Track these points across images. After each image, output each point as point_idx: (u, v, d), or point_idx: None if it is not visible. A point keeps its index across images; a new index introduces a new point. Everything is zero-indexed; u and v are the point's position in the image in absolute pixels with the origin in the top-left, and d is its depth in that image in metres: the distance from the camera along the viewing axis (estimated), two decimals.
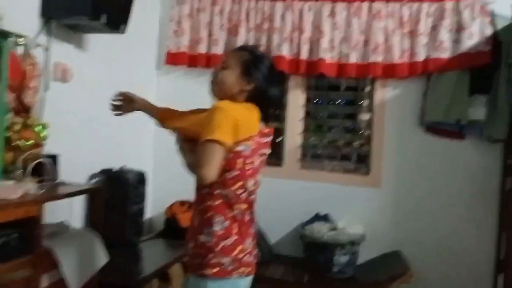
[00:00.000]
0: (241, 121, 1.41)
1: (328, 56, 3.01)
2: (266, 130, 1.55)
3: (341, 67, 3.01)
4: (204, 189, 1.46)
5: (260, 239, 3.00)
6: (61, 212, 2.10)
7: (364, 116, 3.22)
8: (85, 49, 2.62)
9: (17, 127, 1.83)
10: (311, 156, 3.35)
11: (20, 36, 1.94)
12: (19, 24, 1.97)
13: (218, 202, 1.45)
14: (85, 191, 2.05)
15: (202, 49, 3.21)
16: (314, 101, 3.32)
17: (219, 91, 1.52)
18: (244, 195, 1.47)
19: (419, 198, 3.02)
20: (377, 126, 3.11)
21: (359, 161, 3.27)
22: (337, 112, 3.33)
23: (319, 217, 3.04)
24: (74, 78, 2.49)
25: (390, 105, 3.07)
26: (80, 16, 2.24)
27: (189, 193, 3.37)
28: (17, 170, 1.78)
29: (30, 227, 1.59)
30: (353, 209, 3.08)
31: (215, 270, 1.43)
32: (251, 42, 3.13)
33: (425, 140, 3.00)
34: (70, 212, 2.19)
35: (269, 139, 1.58)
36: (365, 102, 3.20)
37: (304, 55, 3.06)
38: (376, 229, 3.01)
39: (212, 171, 1.36)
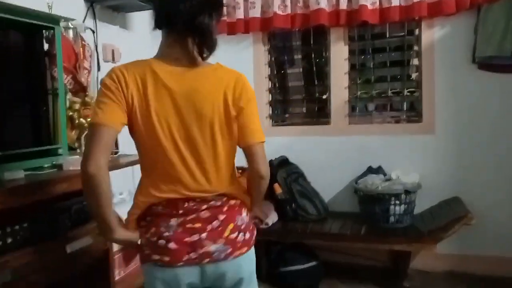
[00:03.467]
0: None
1: (368, 2, 2.90)
2: None
3: (384, 12, 2.89)
4: None
5: (315, 197, 3.05)
6: (125, 183, 2.27)
7: (413, 61, 3.11)
8: (130, 28, 2.73)
9: (77, 106, 1.98)
10: (359, 110, 3.31)
11: (69, 20, 2.06)
12: (66, 10, 2.09)
13: None
14: None
15: (239, 15, 3.21)
16: (359, 54, 3.23)
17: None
18: None
19: (477, 141, 2.90)
20: (427, 70, 2.98)
21: (411, 109, 3.18)
22: (384, 62, 3.23)
23: (372, 170, 3.03)
24: (123, 57, 2.61)
25: (439, 45, 2.93)
26: None
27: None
28: (81, 146, 1.94)
29: None
30: (407, 159, 3.03)
31: (139, 254, 1.34)
32: (287, 0, 3.09)
33: (480, 79, 2.84)
34: (133, 182, 2.35)
35: None
36: (414, 47, 3.08)
37: (343, 4, 2.97)
38: (432, 178, 2.95)
39: None
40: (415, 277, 2.93)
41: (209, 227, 1.28)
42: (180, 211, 1.27)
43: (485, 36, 2.71)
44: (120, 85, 1.19)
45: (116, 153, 2.06)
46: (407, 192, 2.74)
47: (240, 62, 3.34)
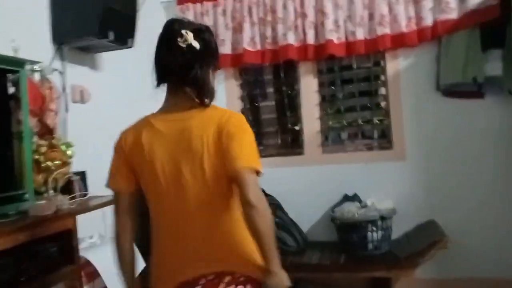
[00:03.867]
0: None
1: (334, 36, 3.00)
2: None
3: (350, 45, 3.00)
4: None
5: (293, 229, 3.04)
6: (95, 225, 2.21)
7: (381, 91, 3.20)
8: (99, 68, 2.73)
9: (43, 149, 1.93)
10: (332, 139, 3.36)
11: (35, 63, 2.05)
12: (33, 52, 2.08)
13: None
14: None
15: None
16: (329, 85, 3.31)
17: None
18: None
19: (446, 164, 2.97)
20: (393, 98, 3.08)
21: (381, 137, 3.24)
22: (353, 92, 3.31)
23: (348, 198, 3.05)
24: (92, 98, 2.60)
25: (404, 75, 3.04)
26: (88, 36, 2.34)
27: None
28: (48, 190, 1.89)
29: (67, 240, 1.69)
30: (381, 185, 3.06)
31: None
32: (256, 37, 3.17)
33: (444, 105, 2.95)
34: (105, 225, 2.29)
35: None
36: (381, 77, 3.18)
37: (310, 40, 3.06)
38: (407, 202, 2.98)
39: None
40: None
41: None
42: None
43: (447, 65, 2.82)
44: (121, 145, 1.34)
45: (85, 195, 2.02)
46: (383, 218, 2.76)
47: (214, 102, 3.42)
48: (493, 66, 2.71)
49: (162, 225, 1.33)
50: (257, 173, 1.24)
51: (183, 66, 1.28)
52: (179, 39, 1.28)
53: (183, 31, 1.28)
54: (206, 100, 1.31)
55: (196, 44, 1.28)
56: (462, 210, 2.93)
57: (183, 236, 1.28)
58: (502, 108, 2.84)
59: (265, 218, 1.22)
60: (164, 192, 1.27)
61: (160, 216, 1.32)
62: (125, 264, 1.36)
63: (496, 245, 2.87)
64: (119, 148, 1.35)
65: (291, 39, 3.07)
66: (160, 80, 1.36)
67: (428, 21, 2.84)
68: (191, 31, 1.29)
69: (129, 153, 1.32)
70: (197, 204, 1.26)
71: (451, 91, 2.90)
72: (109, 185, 1.34)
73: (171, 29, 1.32)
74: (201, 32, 1.32)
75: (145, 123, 1.34)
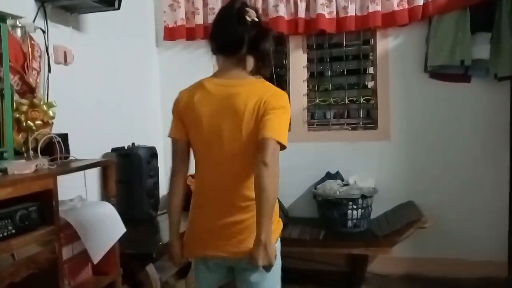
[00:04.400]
0: None
1: (326, 11, 2.97)
2: None
3: (340, 21, 2.98)
4: None
5: None
6: (76, 188, 2.17)
7: (369, 70, 3.20)
8: (83, 30, 2.64)
9: (24, 108, 1.87)
10: (318, 117, 3.36)
11: (17, 18, 1.96)
12: (15, 8, 2.00)
13: None
14: (97, 164, 2.10)
15: (199, 20, 3.20)
16: (318, 62, 3.29)
17: None
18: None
19: (429, 146, 3.01)
20: (381, 78, 3.08)
21: (367, 116, 3.26)
22: (341, 70, 3.30)
23: (330, 176, 3.08)
24: (75, 60, 2.52)
25: (393, 55, 3.04)
26: None
27: None
28: (28, 150, 1.84)
29: (47, 200, 1.65)
30: (364, 164, 3.10)
31: None
32: None
33: (431, 87, 2.97)
34: (85, 188, 2.26)
35: None
36: (370, 56, 3.17)
37: (301, 13, 3.02)
38: (388, 182, 3.03)
39: None
40: (372, 280, 2.98)
41: None
42: None
43: (436, 46, 2.83)
44: (177, 104, 1.54)
45: (66, 157, 1.97)
46: (364, 196, 2.80)
47: (199, 68, 3.34)
48: (481, 49, 2.73)
49: (203, 171, 1.52)
50: (282, 147, 1.38)
51: (254, 39, 1.45)
52: (246, 16, 1.44)
53: (247, 9, 1.46)
54: (264, 71, 1.54)
55: (258, 21, 1.48)
56: (441, 192, 2.99)
57: (218, 185, 1.48)
58: (487, 92, 2.88)
59: (274, 180, 1.34)
60: (206, 144, 1.48)
61: (201, 164, 1.52)
62: (173, 205, 1.58)
63: (472, 228, 2.96)
64: (176, 106, 1.54)
65: (282, 11, 3.02)
66: (223, 50, 1.50)
67: (420, 0, 2.83)
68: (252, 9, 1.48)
69: (182, 110, 1.51)
70: (230, 156, 1.45)
71: (438, 74, 2.92)
72: (169, 135, 1.55)
73: (237, 6, 1.46)
74: (257, 12, 1.51)
75: (199, 85, 1.51)
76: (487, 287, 2.85)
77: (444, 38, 2.79)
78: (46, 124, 1.95)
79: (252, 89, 1.45)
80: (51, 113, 1.96)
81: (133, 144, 2.75)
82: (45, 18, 2.31)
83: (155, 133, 3.35)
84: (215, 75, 1.53)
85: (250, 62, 1.48)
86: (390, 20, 2.89)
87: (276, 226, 1.48)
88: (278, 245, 1.49)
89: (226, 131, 1.44)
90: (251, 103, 1.41)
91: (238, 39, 1.44)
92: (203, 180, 1.53)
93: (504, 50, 2.62)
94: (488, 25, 2.71)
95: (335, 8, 2.97)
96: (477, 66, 2.79)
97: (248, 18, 1.44)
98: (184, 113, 1.51)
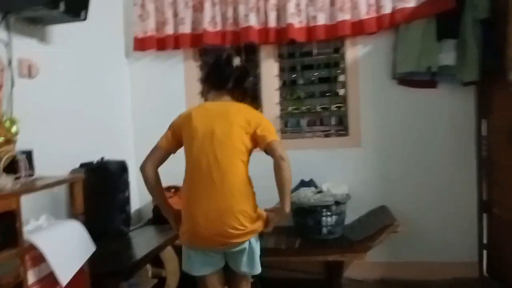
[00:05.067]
0: None
1: (296, 20, 2.99)
2: None
3: (310, 30, 3.00)
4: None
5: None
6: (43, 207, 2.10)
7: (340, 78, 3.24)
8: (49, 42, 2.57)
9: None
10: (291, 125, 3.37)
11: None
12: None
13: None
14: (63, 181, 2.04)
15: (169, 30, 3.17)
16: (289, 71, 3.31)
17: None
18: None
19: (399, 151, 3.06)
20: (351, 85, 3.12)
21: (339, 123, 3.29)
22: (313, 78, 3.33)
23: (304, 183, 3.08)
24: (41, 73, 2.44)
25: (363, 63, 3.08)
26: (37, 6, 2.18)
27: (173, 179, 3.41)
28: None
29: (10, 221, 1.59)
30: (337, 171, 3.12)
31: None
32: (217, 17, 3.10)
33: (400, 94, 3.02)
34: (53, 206, 2.19)
35: None
36: (340, 64, 3.21)
37: (272, 23, 3.04)
38: (360, 188, 3.06)
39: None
40: (349, 286, 3.00)
41: None
42: None
43: (403, 53, 2.89)
44: (175, 120, 1.93)
45: (30, 175, 1.90)
46: (337, 203, 2.82)
47: (171, 78, 3.34)
48: (447, 56, 2.79)
49: (194, 174, 1.82)
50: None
51: (238, 78, 1.91)
52: (232, 61, 1.91)
53: (233, 57, 1.92)
54: (246, 101, 1.95)
55: (242, 66, 1.96)
56: (413, 196, 3.04)
57: (209, 184, 1.77)
58: (454, 97, 2.95)
59: (290, 170, 1.79)
60: (200, 146, 1.80)
61: (193, 168, 1.82)
62: (151, 187, 1.87)
63: (444, 230, 3.02)
64: (173, 122, 1.91)
65: (253, 21, 3.03)
66: (215, 87, 1.93)
67: (387, 9, 2.89)
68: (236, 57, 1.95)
69: (179, 125, 1.88)
70: (222, 155, 1.78)
71: (406, 80, 2.98)
72: (157, 144, 1.88)
73: (227, 55, 1.93)
74: (240, 59, 1.97)
75: (195, 106, 1.97)
76: (460, 287, 2.90)
77: (411, 45, 2.84)
78: (9, 141, 1.88)
79: (238, 108, 1.89)
80: (14, 129, 1.90)
81: (102, 158, 2.69)
82: (8, 30, 2.24)
83: (126, 146, 3.29)
84: (208, 102, 1.96)
85: (235, 94, 1.93)
86: (358, 28, 2.94)
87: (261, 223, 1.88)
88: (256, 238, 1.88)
89: (218, 135, 1.79)
90: (239, 117, 1.83)
91: (226, 77, 1.89)
92: (194, 184, 1.81)
93: (468, 56, 2.69)
94: (454, 32, 2.77)
95: (305, 18, 3.00)
96: (444, 72, 2.86)
97: (234, 63, 1.91)
98: (182, 125, 1.86)
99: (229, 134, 1.80)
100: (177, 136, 1.87)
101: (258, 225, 1.85)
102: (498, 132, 2.74)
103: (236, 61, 1.92)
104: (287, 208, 1.81)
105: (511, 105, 2.41)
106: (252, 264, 1.88)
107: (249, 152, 1.85)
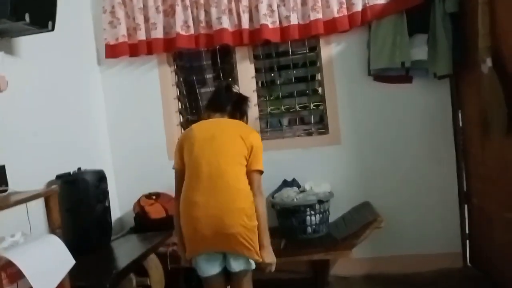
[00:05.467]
0: None
1: (269, 21, 2.98)
2: None
3: (284, 31, 3.00)
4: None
5: None
6: (18, 222, 2.04)
7: (317, 76, 3.25)
8: (17, 54, 2.50)
9: None
10: (271, 125, 3.36)
11: None
12: None
13: None
14: (37, 195, 1.98)
15: (141, 36, 3.12)
16: (267, 71, 3.30)
17: None
18: None
19: (379, 147, 3.08)
20: (328, 83, 3.13)
21: (319, 122, 3.30)
22: (290, 78, 3.33)
23: (287, 183, 3.08)
24: (10, 86, 2.37)
25: (337, 61, 3.09)
26: (1, 19, 2.12)
27: (153, 186, 3.36)
28: None
29: None
30: (319, 170, 3.12)
31: None
32: (189, 20, 3.07)
33: (375, 90, 3.04)
34: (28, 221, 2.12)
35: None
36: (316, 63, 3.21)
37: (245, 24, 3.02)
38: (342, 186, 3.07)
39: None
40: (335, 283, 3.00)
41: None
42: None
43: (376, 50, 2.91)
44: (179, 140, 2.11)
45: (4, 191, 1.85)
46: (320, 201, 2.82)
47: (145, 84, 3.29)
48: (419, 50, 2.82)
49: (193, 177, 1.95)
50: (261, 172, 2.03)
51: (236, 103, 2.19)
52: (232, 88, 2.29)
53: (233, 85, 2.47)
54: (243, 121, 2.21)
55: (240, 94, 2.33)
56: (394, 191, 3.06)
57: (209, 185, 1.92)
58: (429, 91, 2.98)
59: (264, 204, 2.01)
60: (200, 149, 1.96)
61: (192, 172, 1.96)
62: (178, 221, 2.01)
63: (427, 223, 3.04)
64: (178, 141, 2.09)
65: (226, 23, 3.01)
66: (216, 109, 2.15)
67: (358, 6, 2.90)
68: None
69: (182, 141, 2.05)
70: (221, 157, 1.94)
71: (381, 76, 3.00)
72: (173, 167, 2.06)
73: (226, 83, 2.48)
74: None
75: (196, 123, 2.14)
76: (445, 278, 2.93)
77: (384, 41, 2.87)
78: None
79: (237, 124, 2.10)
80: None
81: (79, 169, 2.63)
82: None
83: (102, 155, 3.22)
84: (201, 121, 2.14)
85: (233, 115, 2.14)
86: (331, 27, 2.95)
87: None
88: None
89: (218, 138, 1.97)
90: (239, 129, 2.04)
91: (226, 101, 2.16)
92: (193, 187, 1.94)
93: (440, 50, 2.73)
94: (424, 27, 2.81)
95: (278, 18, 3.00)
96: (417, 67, 2.88)
97: (234, 90, 2.28)
98: (184, 141, 2.04)
99: (229, 139, 1.98)
100: (182, 152, 2.02)
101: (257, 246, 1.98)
102: (472, 123, 2.78)
103: (235, 88, 2.28)
104: (266, 242, 2.00)
105: (483, 96, 2.45)
106: (248, 262, 2.00)
107: (246, 160, 1.98)
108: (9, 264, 1.67)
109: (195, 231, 1.91)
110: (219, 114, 2.13)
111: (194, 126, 2.10)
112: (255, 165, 1.98)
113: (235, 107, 2.16)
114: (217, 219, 1.88)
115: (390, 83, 3.00)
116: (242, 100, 2.22)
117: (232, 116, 2.14)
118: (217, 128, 2.03)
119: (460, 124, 2.95)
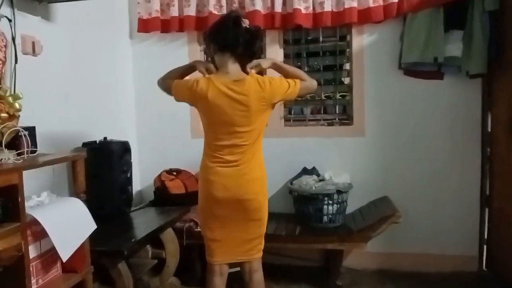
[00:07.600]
0: None
1: (302, 6, 2.95)
2: None
3: (317, 17, 2.97)
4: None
5: None
6: (44, 184, 2.09)
7: (345, 66, 3.21)
8: (53, 20, 2.54)
9: None
10: (295, 113, 3.35)
11: None
12: None
13: None
14: (65, 158, 2.02)
15: (174, 12, 3.13)
16: (295, 57, 3.28)
17: None
18: None
19: (403, 142, 3.05)
20: (357, 74, 3.10)
21: (343, 112, 3.27)
22: (318, 66, 3.30)
23: (306, 171, 3.08)
24: (44, 51, 2.42)
25: (368, 51, 3.05)
26: None
27: (174, 162, 3.38)
28: None
29: (12, 196, 1.58)
30: (339, 160, 3.11)
31: None
32: (223, 0, 3.07)
33: (405, 84, 3.00)
34: (54, 183, 2.18)
35: None
36: (346, 52, 3.18)
37: (278, 7, 3.00)
38: (362, 178, 3.05)
39: None
40: (346, 275, 3.00)
41: None
42: None
43: (409, 43, 2.86)
44: (193, 87, 1.92)
45: (33, 152, 1.89)
46: (339, 192, 2.81)
47: (173, 61, 3.26)
48: (454, 47, 2.77)
49: (215, 139, 1.95)
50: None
51: (246, 41, 1.88)
52: (241, 22, 1.88)
53: (242, 18, 1.90)
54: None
55: (252, 28, 1.93)
56: (415, 187, 3.03)
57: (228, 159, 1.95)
58: (459, 89, 2.92)
59: (311, 86, 2.11)
60: (218, 132, 1.93)
61: (213, 134, 1.95)
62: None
63: (444, 223, 3.01)
64: (192, 86, 1.92)
65: (259, 5, 2.99)
66: (223, 50, 1.91)
67: None
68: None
69: (197, 96, 1.91)
70: (241, 141, 1.94)
71: (412, 70, 2.95)
72: (176, 99, 2.06)
73: (234, 15, 1.92)
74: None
75: (210, 83, 1.89)
76: (458, 281, 2.90)
77: (418, 35, 2.81)
78: (12, 116, 1.86)
79: (251, 86, 1.88)
80: (17, 105, 1.87)
81: (105, 138, 2.68)
82: (12, 6, 2.21)
83: (128, 127, 3.27)
84: (219, 74, 1.92)
85: (244, 60, 1.92)
86: (365, 16, 2.91)
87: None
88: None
89: (237, 127, 1.90)
90: (256, 101, 1.89)
91: (235, 40, 1.87)
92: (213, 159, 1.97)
93: (475, 48, 2.67)
94: (461, 23, 2.75)
95: (311, 3, 2.96)
96: (450, 64, 2.83)
97: (243, 24, 1.88)
98: (199, 99, 1.91)
99: (248, 124, 1.92)
100: (188, 99, 1.98)
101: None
102: (501, 124, 2.72)
103: (246, 22, 1.90)
104: (279, 64, 2.12)
105: None
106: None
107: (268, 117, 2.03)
108: (35, 222, 1.72)
109: (212, 195, 1.99)
110: (229, 54, 1.90)
111: (209, 95, 1.88)
112: (293, 90, 2.00)
113: (246, 48, 1.90)
114: (234, 189, 2.00)
115: (420, 78, 2.95)
116: (254, 39, 1.92)
117: (241, 59, 1.92)
118: (236, 111, 1.89)
119: (489, 125, 2.89)
